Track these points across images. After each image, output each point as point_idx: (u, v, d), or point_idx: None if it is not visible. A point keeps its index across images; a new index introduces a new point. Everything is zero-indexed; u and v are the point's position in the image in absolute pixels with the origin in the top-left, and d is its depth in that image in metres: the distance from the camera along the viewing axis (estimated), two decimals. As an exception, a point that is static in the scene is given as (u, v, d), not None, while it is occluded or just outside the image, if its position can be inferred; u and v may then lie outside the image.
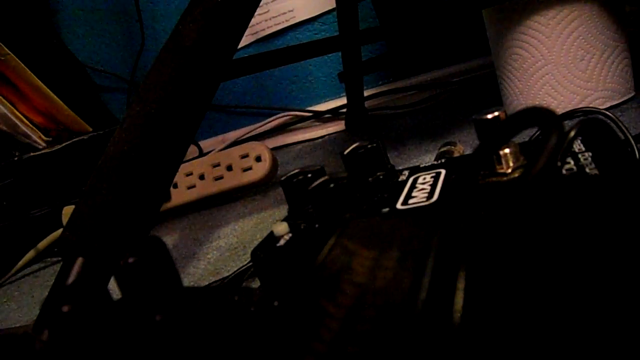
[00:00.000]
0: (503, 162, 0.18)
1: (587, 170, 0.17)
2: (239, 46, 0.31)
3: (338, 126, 0.88)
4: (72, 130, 0.74)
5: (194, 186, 0.62)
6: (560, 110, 0.46)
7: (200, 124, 0.30)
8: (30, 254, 0.59)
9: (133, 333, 0.11)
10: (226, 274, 0.36)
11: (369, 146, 0.23)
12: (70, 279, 0.23)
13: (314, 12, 0.91)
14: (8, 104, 0.67)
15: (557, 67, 0.46)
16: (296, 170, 0.23)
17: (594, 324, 0.10)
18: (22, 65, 0.69)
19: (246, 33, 0.38)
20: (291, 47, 0.59)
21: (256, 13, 0.32)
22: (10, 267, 0.58)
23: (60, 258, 0.58)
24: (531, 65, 0.48)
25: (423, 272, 0.12)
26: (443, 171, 0.22)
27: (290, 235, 0.20)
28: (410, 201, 0.20)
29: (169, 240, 0.53)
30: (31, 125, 0.69)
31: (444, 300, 0.11)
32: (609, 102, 0.47)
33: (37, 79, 0.70)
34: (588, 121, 0.16)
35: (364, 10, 0.83)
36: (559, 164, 0.14)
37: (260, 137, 0.97)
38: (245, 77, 0.56)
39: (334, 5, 0.69)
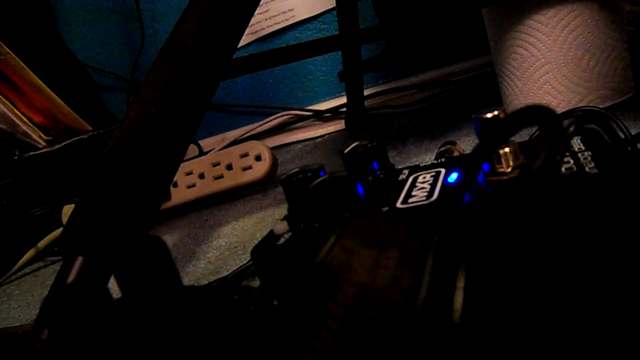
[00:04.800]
0: (503, 161, 0.18)
1: (587, 169, 0.17)
2: (239, 45, 0.31)
3: (338, 125, 0.88)
4: (72, 129, 0.75)
5: (193, 185, 0.62)
6: (560, 110, 0.46)
7: (200, 123, 0.30)
8: (30, 253, 0.59)
9: (133, 332, 0.11)
10: (226, 273, 0.36)
11: (369, 145, 0.23)
12: (70, 278, 0.23)
13: (313, 11, 0.91)
14: (8, 103, 0.67)
15: (557, 66, 0.46)
16: (296, 169, 0.23)
17: (593, 323, 0.10)
18: (22, 64, 0.69)
19: (246, 32, 0.38)
20: (291, 46, 0.59)
21: (256, 12, 0.32)
22: (11, 266, 0.58)
23: (60, 257, 0.58)
24: (531, 65, 0.48)
25: (423, 271, 0.12)
26: (443, 170, 0.22)
27: (290, 234, 0.20)
28: (410, 200, 0.20)
29: (169, 239, 0.53)
30: (31, 124, 0.69)
31: (443, 299, 0.11)
32: (609, 102, 0.47)
33: (37, 78, 0.70)
34: (586, 118, 0.16)
35: (364, 9, 0.83)
36: (558, 157, 0.14)
37: (260, 136, 0.97)
38: (245, 76, 0.56)
39: (334, 5, 0.69)
